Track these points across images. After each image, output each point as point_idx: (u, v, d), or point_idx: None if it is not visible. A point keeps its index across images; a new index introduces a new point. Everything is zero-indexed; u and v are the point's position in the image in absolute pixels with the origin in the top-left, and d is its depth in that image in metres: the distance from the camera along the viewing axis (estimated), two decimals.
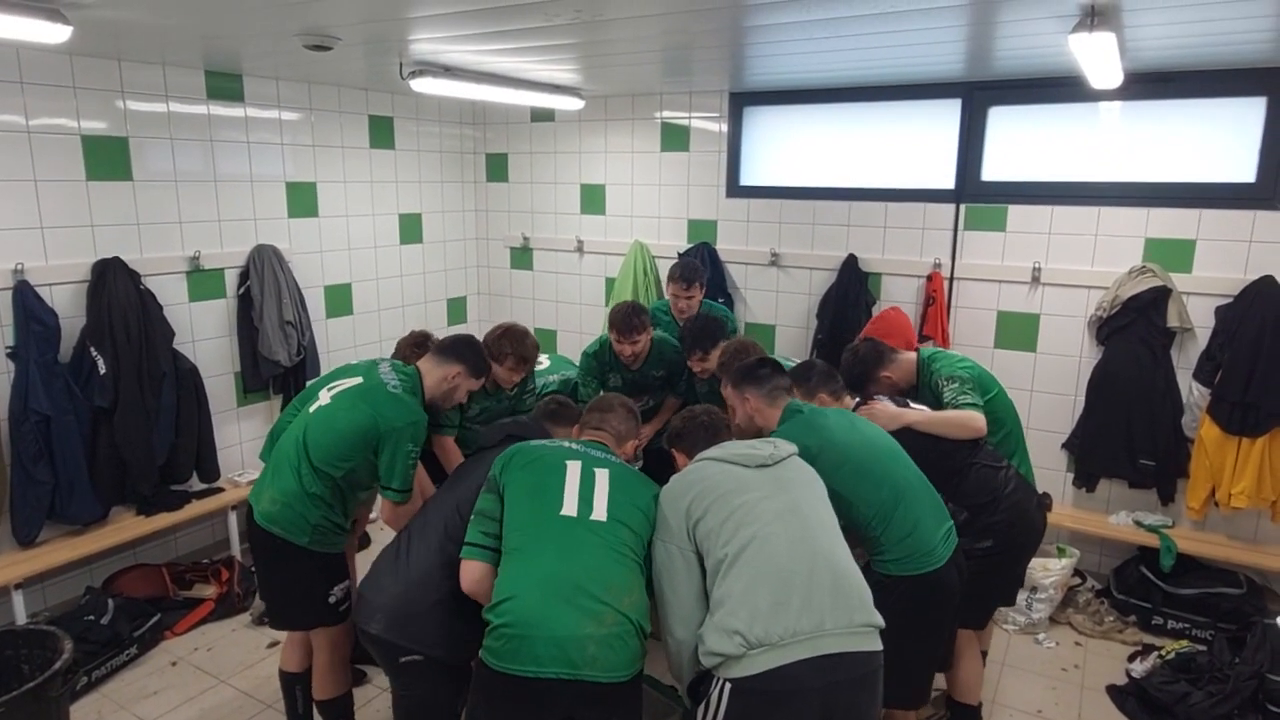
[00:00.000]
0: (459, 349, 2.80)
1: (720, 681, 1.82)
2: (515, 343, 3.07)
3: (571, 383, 3.67)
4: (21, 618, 3.32)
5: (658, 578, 2.02)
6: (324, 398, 2.62)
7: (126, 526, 3.74)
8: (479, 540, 2.09)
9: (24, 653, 2.74)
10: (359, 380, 2.64)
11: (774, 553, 1.89)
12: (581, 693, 1.89)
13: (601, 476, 2.13)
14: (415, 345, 3.07)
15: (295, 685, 2.81)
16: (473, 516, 2.14)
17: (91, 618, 3.42)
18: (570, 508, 2.05)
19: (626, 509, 2.09)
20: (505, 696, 1.93)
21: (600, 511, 2.05)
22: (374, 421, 2.52)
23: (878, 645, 1.90)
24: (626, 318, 3.39)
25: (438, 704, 2.19)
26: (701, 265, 4.26)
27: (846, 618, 1.86)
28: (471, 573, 2.06)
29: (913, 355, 2.99)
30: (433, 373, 2.75)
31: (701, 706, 1.87)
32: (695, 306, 3.84)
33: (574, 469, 2.14)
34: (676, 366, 3.60)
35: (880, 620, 1.92)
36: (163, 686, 3.35)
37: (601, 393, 3.15)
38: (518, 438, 2.38)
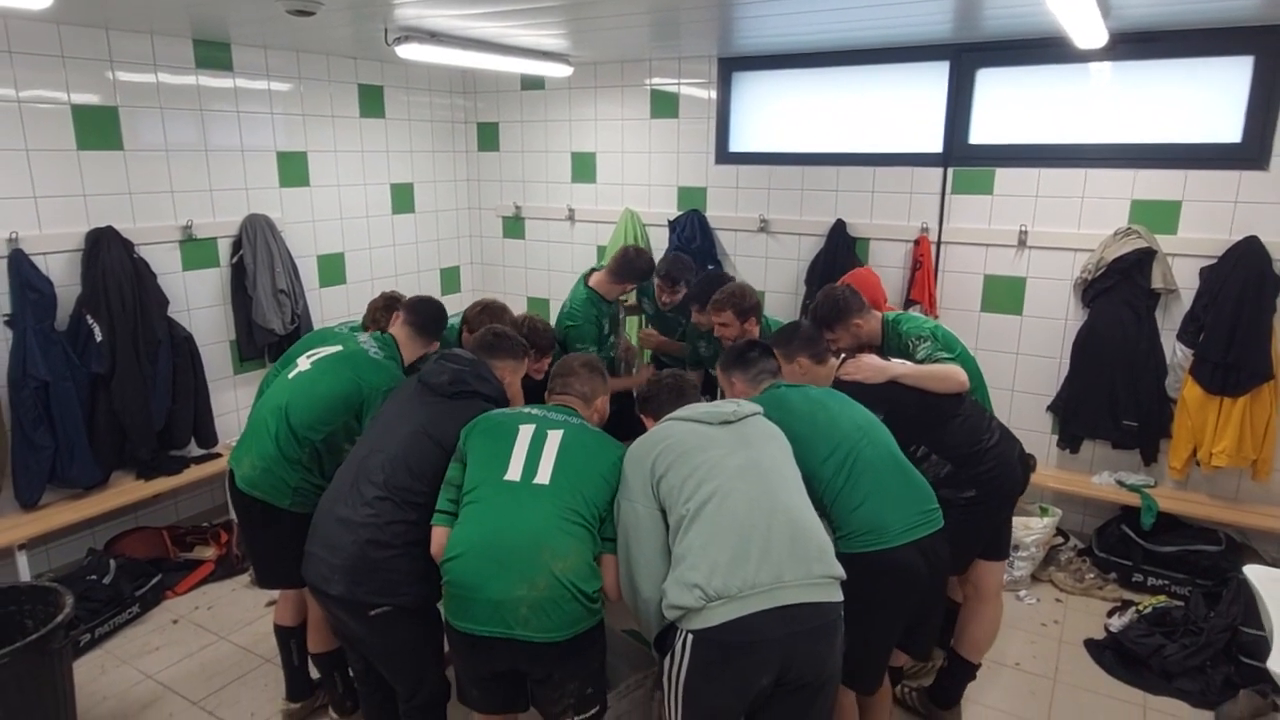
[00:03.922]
0: (437, 327, 2.91)
1: (683, 633, 1.87)
2: (494, 319, 3.12)
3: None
4: (25, 578, 3.42)
5: (623, 536, 2.07)
6: (303, 364, 2.68)
7: (127, 490, 3.83)
8: (445, 507, 2.18)
9: (27, 608, 2.81)
10: (339, 348, 2.71)
11: (734, 508, 1.93)
12: (518, 650, 2.00)
13: (553, 439, 2.18)
14: (386, 307, 3.12)
15: (290, 639, 2.90)
16: (443, 485, 2.21)
17: (94, 577, 3.53)
18: (514, 472, 2.12)
19: (577, 472, 2.13)
20: (460, 647, 2.08)
21: (544, 475, 2.11)
22: (357, 386, 2.59)
23: (837, 596, 1.94)
24: (645, 268, 3.74)
25: (419, 645, 2.27)
26: (688, 258, 4.08)
27: (805, 569, 1.90)
28: (438, 538, 2.14)
29: (879, 315, 3.02)
30: (409, 346, 2.83)
31: (667, 658, 1.93)
32: (678, 300, 3.83)
33: (526, 433, 2.20)
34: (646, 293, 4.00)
35: (841, 571, 1.97)
36: (164, 643, 3.46)
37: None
38: (465, 382, 2.42)
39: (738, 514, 1.93)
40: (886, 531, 2.20)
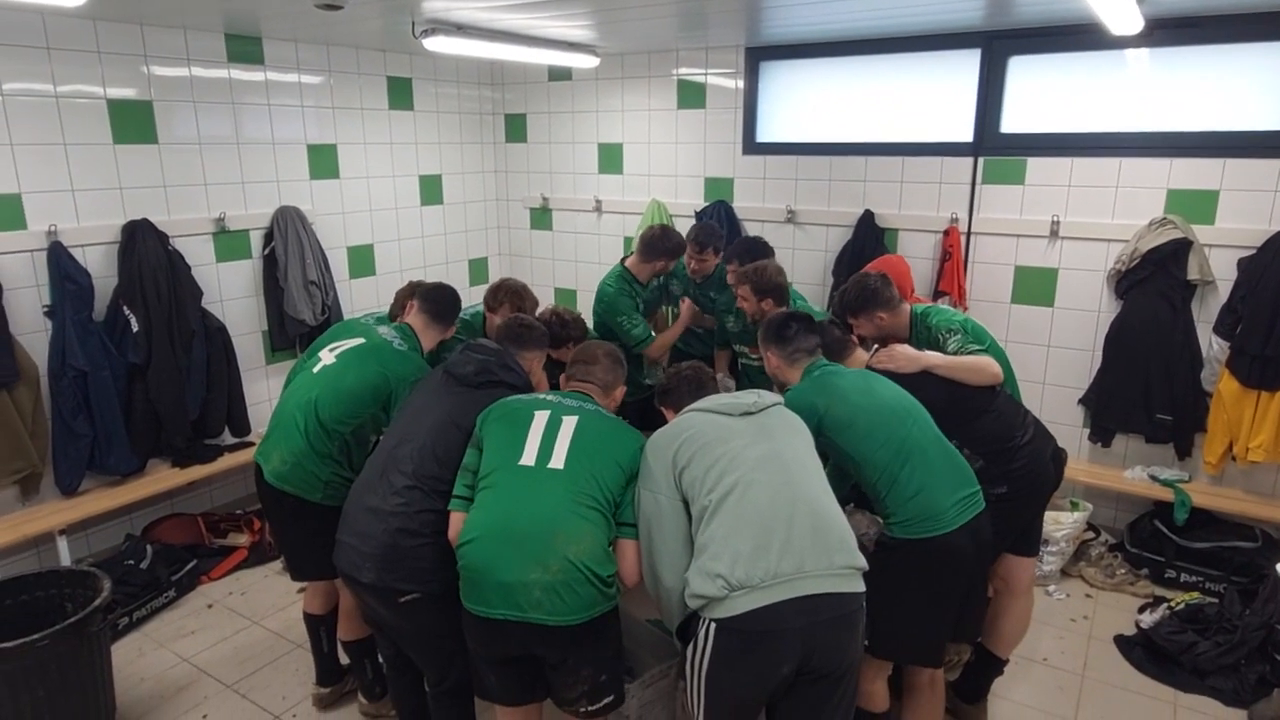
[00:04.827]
0: (451, 313, 2.94)
1: (706, 622, 1.89)
2: (513, 300, 3.15)
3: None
4: (66, 562, 3.52)
5: (645, 526, 2.09)
6: (327, 358, 2.71)
7: (163, 478, 3.92)
8: (462, 492, 2.21)
9: (67, 592, 2.90)
10: (362, 340, 2.74)
11: (756, 498, 1.94)
12: (531, 632, 2.02)
13: (568, 425, 2.20)
14: (412, 296, 3.15)
15: (319, 626, 2.96)
16: (459, 470, 2.25)
17: (131, 562, 3.62)
18: (529, 458, 2.14)
19: (591, 457, 2.15)
20: (474, 630, 2.11)
21: (558, 461, 2.13)
22: (384, 377, 2.63)
23: (859, 586, 1.95)
24: (679, 239, 3.76)
25: (448, 632, 2.29)
26: (719, 228, 4.24)
27: (827, 560, 1.90)
28: (454, 523, 2.18)
29: (908, 307, 2.99)
30: (426, 333, 2.87)
31: (690, 646, 1.95)
32: (709, 269, 3.88)
33: (540, 419, 2.22)
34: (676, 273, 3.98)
35: (863, 562, 1.97)
36: (199, 627, 3.55)
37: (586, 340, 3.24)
38: (491, 372, 2.44)
39: (760, 504, 1.94)
40: (941, 518, 2.23)
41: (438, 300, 2.92)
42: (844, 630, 1.91)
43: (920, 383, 2.55)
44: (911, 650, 2.38)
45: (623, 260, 3.85)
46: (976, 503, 2.31)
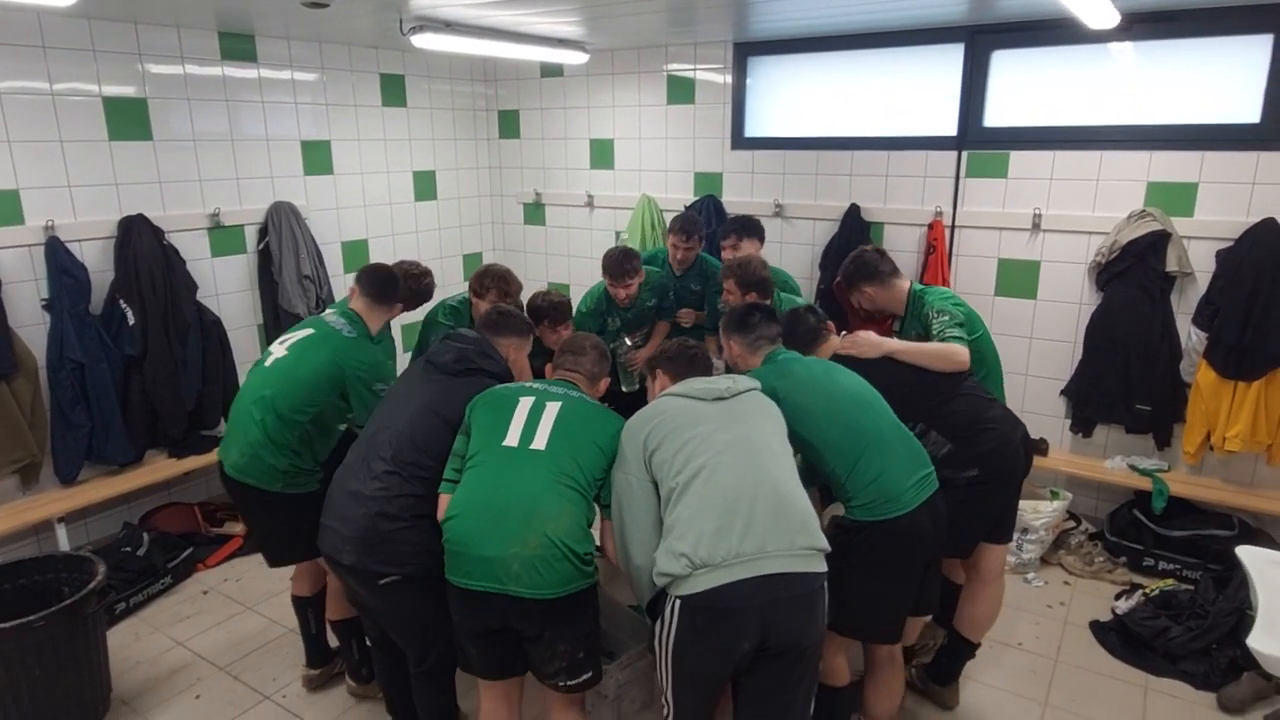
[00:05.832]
0: (392, 289, 2.97)
1: (672, 599, 1.96)
2: (495, 279, 3.23)
3: None
4: (65, 549, 3.60)
5: (616, 506, 2.16)
6: (278, 351, 2.77)
7: (160, 468, 4.01)
8: (450, 475, 2.29)
9: (63, 576, 2.98)
10: (311, 331, 2.80)
11: (721, 481, 2.01)
12: (510, 605, 2.10)
13: (551, 409, 2.27)
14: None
15: (307, 608, 3.03)
16: (450, 456, 2.32)
17: (128, 549, 3.71)
18: (512, 438, 2.22)
19: (572, 439, 2.22)
20: (456, 602, 2.19)
21: (540, 442, 2.21)
22: (337, 365, 2.69)
23: (820, 567, 2.01)
24: (619, 263, 3.61)
25: (428, 613, 2.35)
26: (701, 218, 4.37)
27: (788, 540, 1.96)
28: (442, 504, 2.25)
29: (905, 284, 3.03)
30: (370, 315, 2.90)
31: (658, 623, 2.02)
32: (692, 257, 3.97)
33: (525, 404, 2.30)
34: (663, 290, 3.93)
35: (824, 543, 2.03)
36: (195, 612, 3.63)
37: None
38: (470, 360, 2.51)
39: (725, 487, 2.00)
40: (900, 499, 2.29)
41: (373, 282, 2.94)
42: (803, 609, 1.97)
43: (882, 368, 2.62)
44: (873, 628, 2.44)
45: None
46: (932, 483, 2.38)
